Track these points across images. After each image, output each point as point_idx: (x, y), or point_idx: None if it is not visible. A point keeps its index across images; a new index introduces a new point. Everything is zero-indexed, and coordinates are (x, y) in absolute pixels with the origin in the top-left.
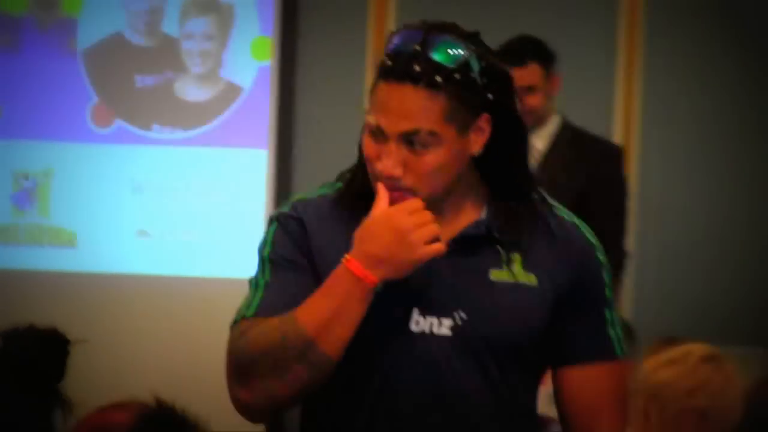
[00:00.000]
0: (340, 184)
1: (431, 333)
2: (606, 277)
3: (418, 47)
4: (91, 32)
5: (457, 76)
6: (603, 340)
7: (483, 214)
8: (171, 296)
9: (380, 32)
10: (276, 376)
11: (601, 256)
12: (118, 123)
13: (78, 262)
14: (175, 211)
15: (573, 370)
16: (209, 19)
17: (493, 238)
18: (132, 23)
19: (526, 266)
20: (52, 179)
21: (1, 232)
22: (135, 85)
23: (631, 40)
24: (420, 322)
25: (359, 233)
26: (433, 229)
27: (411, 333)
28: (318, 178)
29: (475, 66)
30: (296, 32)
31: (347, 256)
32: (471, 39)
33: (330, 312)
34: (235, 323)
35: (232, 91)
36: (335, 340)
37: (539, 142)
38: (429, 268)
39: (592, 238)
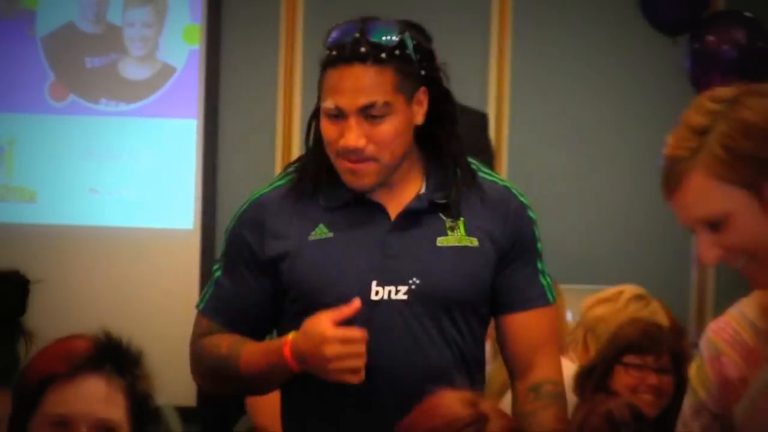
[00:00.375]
0: (290, 176)
1: (389, 299)
2: (536, 232)
3: (358, 34)
4: (47, 21)
5: (397, 52)
6: (537, 289)
7: (423, 186)
8: (116, 242)
9: (291, 19)
10: (221, 385)
11: (532, 214)
12: (72, 98)
13: (38, 215)
14: (120, 171)
15: (514, 316)
16: (147, 9)
17: (435, 208)
18: (82, 13)
19: (468, 230)
20: (15, 146)
21: None
22: (85, 66)
23: (503, 23)
24: (379, 292)
25: (305, 324)
26: (355, 363)
27: (371, 302)
28: (239, 143)
29: (409, 44)
30: (220, 20)
31: (287, 338)
32: (401, 23)
33: (262, 370)
34: (197, 309)
35: (167, 70)
36: (266, 387)
37: None
38: (382, 242)
39: (522, 198)
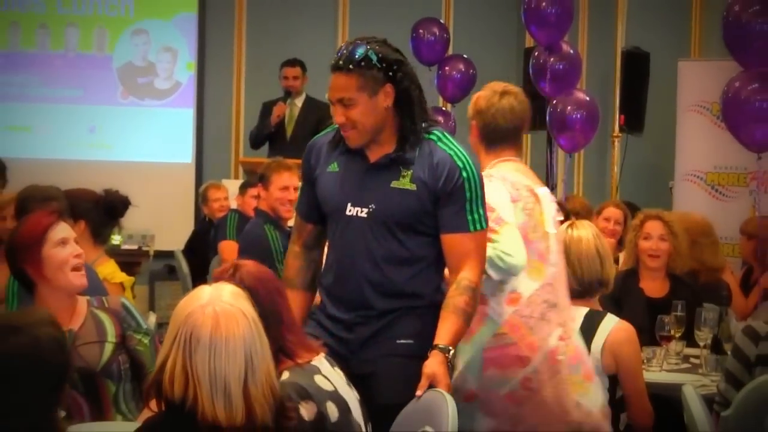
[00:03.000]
0: (332, 129)
1: (356, 215)
2: (467, 185)
3: (345, 51)
4: (119, 60)
5: (362, 63)
6: (462, 221)
7: (393, 147)
8: (151, 171)
9: (239, 59)
10: None
11: (464, 174)
12: (131, 98)
13: (113, 156)
14: (155, 133)
15: (447, 236)
16: (168, 54)
17: (395, 163)
18: (136, 56)
19: (412, 179)
20: (102, 122)
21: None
22: (137, 82)
23: (344, 32)
24: (351, 210)
25: None
26: None
27: (346, 216)
28: (214, 119)
29: (373, 57)
30: (204, 59)
31: None
32: (373, 42)
33: None
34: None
35: (178, 84)
36: None
37: (299, 102)
38: (359, 179)
39: (459, 162)
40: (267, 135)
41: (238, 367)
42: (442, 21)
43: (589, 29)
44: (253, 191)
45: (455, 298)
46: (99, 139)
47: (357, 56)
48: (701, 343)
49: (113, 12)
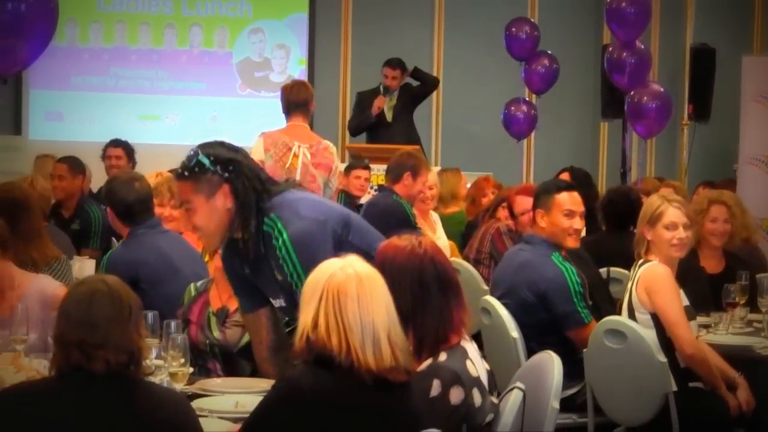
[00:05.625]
0: None
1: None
2: (279, 243)
3: (184, 160)
4: (238, 56)
5: (196, 170)
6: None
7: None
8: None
9: (345, 56)
10: None
11: (275, 242)
12: (248, 90)
13: (231, 141)
14: (270, 121)
15: None
16: (282, 51)
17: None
18: (252, 53)
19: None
20: (222, 112)
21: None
22: (254, 75)
23: (440, 31)
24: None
25: None
26: None
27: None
28: (324, 106)
29: (206, 161)
30: (314, 56)
31: None
32: (207, 146)
33: None
34: None
35: (291, 77)
36: None
37: (396, 92)
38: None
39: (276, 233)
40: (369, 124)
41: (382, 317)
42: (533, 20)
43: (661, 28)
44: (356, 172)
45: None
46: (220, 127)
47: (191, 163)
48: (763, 309)
49: (233, 13)
